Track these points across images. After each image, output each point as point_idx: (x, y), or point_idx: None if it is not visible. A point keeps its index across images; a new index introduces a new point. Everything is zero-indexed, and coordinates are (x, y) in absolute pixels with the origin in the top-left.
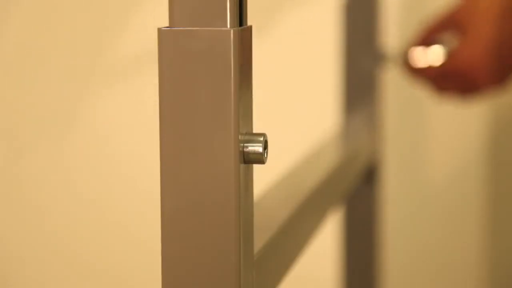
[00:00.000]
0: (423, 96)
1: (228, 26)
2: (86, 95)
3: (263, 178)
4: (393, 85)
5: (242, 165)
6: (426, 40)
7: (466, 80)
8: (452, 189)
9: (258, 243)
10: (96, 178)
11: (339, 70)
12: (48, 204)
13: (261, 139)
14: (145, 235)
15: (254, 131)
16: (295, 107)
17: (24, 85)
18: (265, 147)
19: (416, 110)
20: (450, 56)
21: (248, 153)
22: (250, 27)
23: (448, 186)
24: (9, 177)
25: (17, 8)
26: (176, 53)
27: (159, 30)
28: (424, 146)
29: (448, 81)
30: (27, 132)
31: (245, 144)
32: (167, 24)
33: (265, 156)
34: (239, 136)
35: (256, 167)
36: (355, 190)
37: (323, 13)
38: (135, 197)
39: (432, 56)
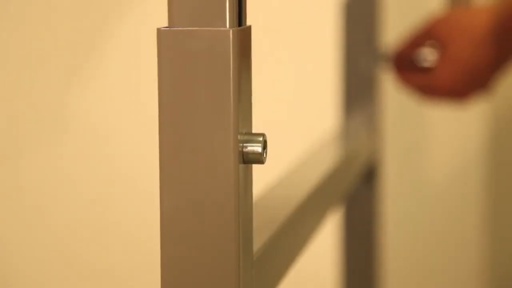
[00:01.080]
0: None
1: (228, 26)
2: (86, 95)
3: (262, 178)
4: (393, 85)
5: (242, 165)
6: (410, 47)
7: (448, 93)
8: (452, 189)
9: (258, 243)
10: (95, 178)
11: (338, 70)
12: (48, 204)
13: (261, 139)
14: (145, 235)
15: (254, 131)
16: (295, 107)
17: (23, 85)
18: (265, 147)
19: (416, 110)
20: (431, 72)
21: (248, 153)
22: (250, 27)
23: (448, 186)
24: (9, 177)
25: (16, 8)
26: (175, 53)
27: (159, 30)
28: (424, 146)
29: (431, 91)
30: (27, 132)
31: (245, 144)
32: (166, 24)
33: (265, 156)
34: (238, 136)
35: (255, 167)
36: (355, 190)
37: (323, 13)
38: (134, 197)
39: (416, 63)
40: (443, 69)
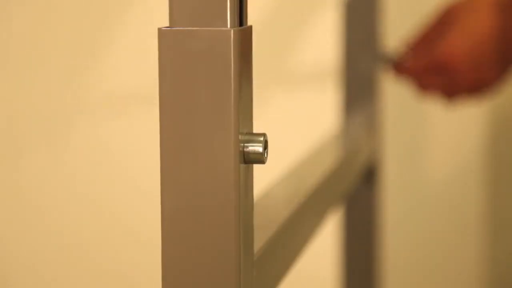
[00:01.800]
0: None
1: (228, 26)
2: (86, 95)
3: (263, 178)
4: (393, 85)
5: (242, 165)
6: (419, 40)
7: (448, 75)
8: (451, 189)
9: (258, 243)
10: (96, 178)
11: (339, 70)
12: (48, 204)
13: (261, 139)
14: (145, 235)
15: (254, 131)
16: (295, 107)
17: (24, 85)
18: (265, 147)
19: (416, 110)
20: (435, 49)
21: (248, 153)
22: (250, 27)
23: (448, 186)
24: (9, 177)
25: (16, 8)
26: (176, 53)
27: (159, 30)
28: (424, 146)
29: (431, 77)
30: (27, 132)
31: (245, 144)
32: (167, 24)
33: (265, 156)
34: (239, 136)
35: (256, 167)
36: (355, 190)
37: (323, 13)
38: (135, 197)
39: (417, 53)
40: (446, 44)
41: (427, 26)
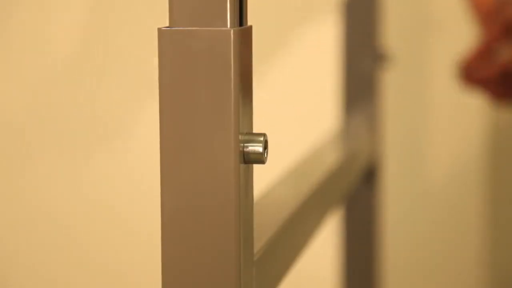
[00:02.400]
0: (423, 96)
1: (228, 26)
2: (85, 94)
3: (263, 178)
4: (393, 85)
5: (242, 165)
6: (487, 45)
7: None
8: (452, 189)
9: (258, 243)
10: (95, 177)
11: (339, 70)
12: (48, 203)
13: (261, 139)
14: (145, 235)
15: (254, 131)
16: (295, 107)
17: (23, 86)
18: (265, 147)
19: (416, 110)
20: (508, 57)
21: (248, 153)
22: (250, 27)
23: (448, 186)
24: (9, 177)
25: (17, 9)
26: (176, 53)
27: (159, 30)
28: (424, 146)
29: (507, 85)
30: (27, 132)
31: (245, 144)
32: (167, 24)
33: (265, 156)
34: (239, 136)
35: (256, 167)
36: (355, 190)
37: (323, 13)
38: (135, 197)
39: (491, 61)
40: None
41: (490, 33)
